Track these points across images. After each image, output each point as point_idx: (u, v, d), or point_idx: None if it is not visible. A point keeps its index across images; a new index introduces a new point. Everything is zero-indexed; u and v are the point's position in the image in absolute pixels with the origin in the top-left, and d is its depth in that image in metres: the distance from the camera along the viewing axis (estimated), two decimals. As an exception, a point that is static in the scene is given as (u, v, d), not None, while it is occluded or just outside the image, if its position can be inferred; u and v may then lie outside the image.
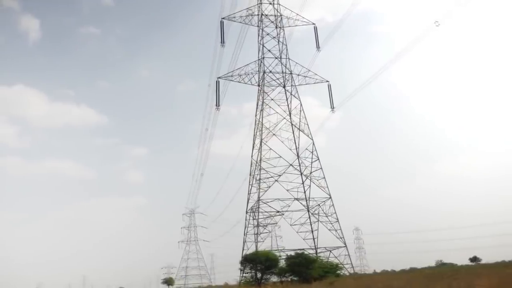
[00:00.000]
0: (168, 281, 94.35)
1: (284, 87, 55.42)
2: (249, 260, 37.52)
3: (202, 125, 61.06)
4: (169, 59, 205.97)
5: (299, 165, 52.30)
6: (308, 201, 50.82)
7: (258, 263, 37.00)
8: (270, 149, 49.26)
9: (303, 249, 47.23)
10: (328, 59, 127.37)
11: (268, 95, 55.01)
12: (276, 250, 55.29)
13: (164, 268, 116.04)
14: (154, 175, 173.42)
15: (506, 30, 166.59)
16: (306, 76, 56.70)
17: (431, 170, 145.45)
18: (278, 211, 46.19)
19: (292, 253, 41.29)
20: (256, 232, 45.23)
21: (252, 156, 52.98)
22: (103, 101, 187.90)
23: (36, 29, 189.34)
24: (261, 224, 46.64)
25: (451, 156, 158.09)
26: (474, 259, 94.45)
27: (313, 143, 51.40)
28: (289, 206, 46.79)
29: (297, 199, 47.69)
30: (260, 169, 48.25)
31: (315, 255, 42.62)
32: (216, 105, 52.73)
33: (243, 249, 49.94)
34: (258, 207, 45.87)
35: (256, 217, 45.85)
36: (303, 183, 51.18)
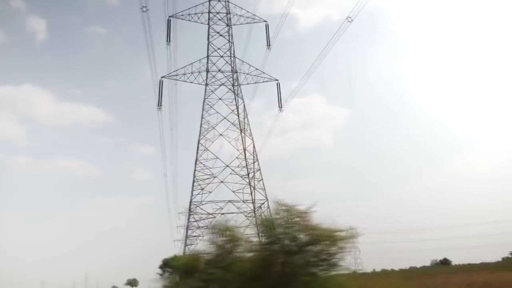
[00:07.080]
0: (132, 283, 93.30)
1: (233, 86, 54.26)
2: (167, 265, 36.26)
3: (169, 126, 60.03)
4: (175, 57, 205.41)
5: (246, 166, 51.21)
6: (254, 203, 49.66)
7: (176, 268, 35.73)
8: (206, 149, 48.03)
9: None
10: (334, 57, 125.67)
11: (215, 94, 53.88)
12: None
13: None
14: (161, 174, 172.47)
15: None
16: (256, 75, 55.60)
17: (439, 169, 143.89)
18: (210, 214, 44.92)
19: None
20: (185, 235, 44.00)
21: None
22: (110, 100, 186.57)
23: (43, 30, 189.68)
24: (196, 227, 45.44)
25: (458, 154, 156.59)
26: (445, 261, 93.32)
27: (253, 144, 50.24)
28: (222, 208, 45.55)
29: (231, 201, 46.48)
30: (194, 170, 47.01)
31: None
32: (158, 105, 51.30)
33: (184, 253, 48.91)
34: (190, 210, 44.65)
35: (188, 220, 44.67)
36: (249, 183, 50.05)
